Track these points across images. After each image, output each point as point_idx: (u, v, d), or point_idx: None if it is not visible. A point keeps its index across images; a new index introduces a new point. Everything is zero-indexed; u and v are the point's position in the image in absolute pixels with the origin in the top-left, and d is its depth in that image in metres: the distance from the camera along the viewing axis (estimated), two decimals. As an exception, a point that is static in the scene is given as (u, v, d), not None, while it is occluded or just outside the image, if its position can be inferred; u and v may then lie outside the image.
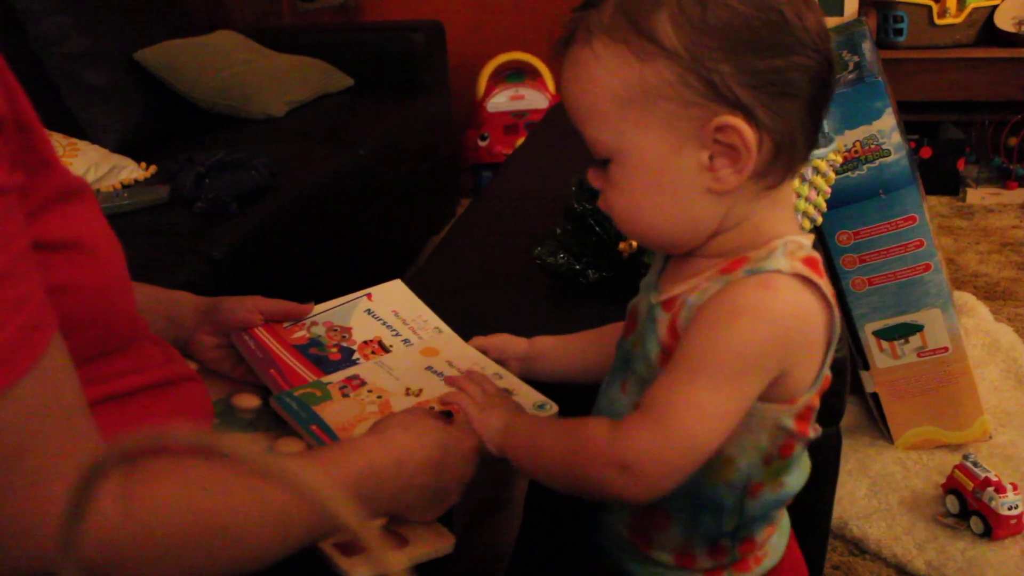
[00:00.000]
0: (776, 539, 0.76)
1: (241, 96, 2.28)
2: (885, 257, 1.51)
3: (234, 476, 0.57)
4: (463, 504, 0.81)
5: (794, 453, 0.68)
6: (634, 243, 1.11)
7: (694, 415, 0.61)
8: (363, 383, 0.86)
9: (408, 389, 0.86)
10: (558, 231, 1.15)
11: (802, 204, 1.20)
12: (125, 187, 1.79)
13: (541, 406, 0.84)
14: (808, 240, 0.66)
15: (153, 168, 1.89)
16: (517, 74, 3.19)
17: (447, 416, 0.77)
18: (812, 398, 0.66)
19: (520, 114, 3.09)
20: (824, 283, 0.63)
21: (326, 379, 0.86)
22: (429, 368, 0.89)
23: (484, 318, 1.11)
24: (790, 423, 0.66)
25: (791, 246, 0.63)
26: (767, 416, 0.65)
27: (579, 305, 1.11)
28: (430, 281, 1.25)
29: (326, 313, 0.96)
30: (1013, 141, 2.90)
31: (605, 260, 1.11)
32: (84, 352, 0.58)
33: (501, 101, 3.11)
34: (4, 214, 0.49)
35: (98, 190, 1.75)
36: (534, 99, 3.09)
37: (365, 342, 0.93)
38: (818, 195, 1.21)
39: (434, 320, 0.97)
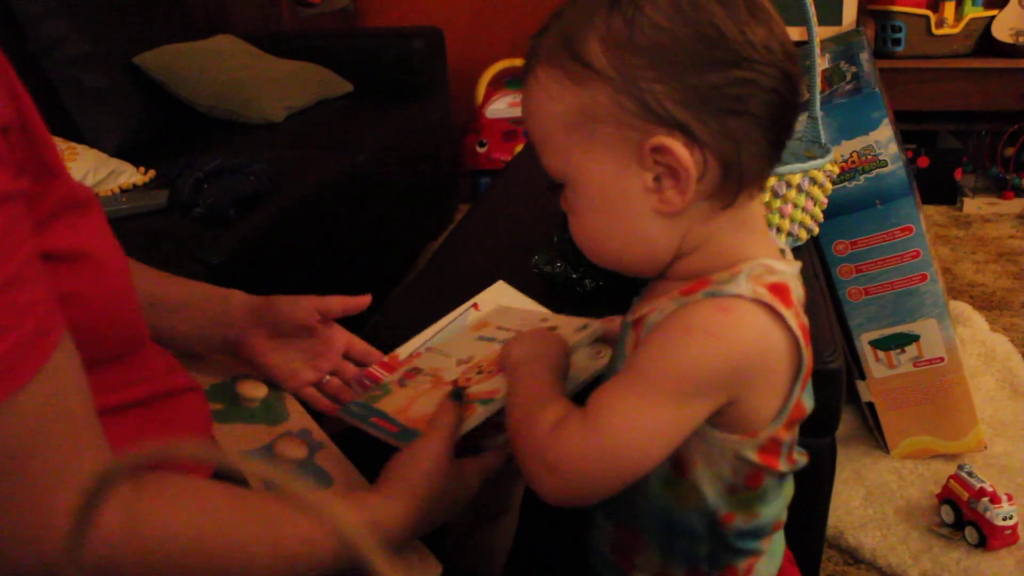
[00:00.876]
0: (764, 566, 0.73)
1: (240, 101, 2.28)
2: (881, 267, 1.52)
3: (247, 511, 0.57)
4: (460, 512, 0.81)
5: (764, 485, 0.66)
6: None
7: (625, 424, 0.60)
8: (419, 370, 0.87)
9: (459, 360, 0.86)
10: (555, 239, 1.15)
11: (799, 214, 1.21)
12: (124, 191, 1.80)
13: (583, 327, 0.84)
14: (786, 266, 0.64)
15: (152, 173, 1.89)
16: (516, 80, 3.20)
17: (457, 397, 0.76)
18: (778, 431, 0.64)
19: (519, 121, 3.09)
20: (790, 313, 0.61)
21: (387, 379, 0.87)
22: (481, 338, 0.89)
23: (481, 325, 1.12)
24: (752, 455, 0.64)
25: (757, 270, 0.61)
26: (726, 446, 0.63)
27: (576, 314, 1.11)
28: (428, 287, 1.26)
29: (433, 339, 0.94)
30: (1010, 151, 2.91)
31: (602, 269, 1.11)
32: (83, 361, 0.58)
33: (500, 107, 3.12)
34: (10, 220, 0.49)
35: (96, 194, 1.75)
36: (533, 106, 3.10)
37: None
38: (815, 205, 1.21)
39: (536, 318, 0.93)
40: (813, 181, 1.18)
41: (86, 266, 0.57)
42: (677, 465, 0.65)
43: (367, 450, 0.80)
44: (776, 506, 0.69)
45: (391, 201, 2.33)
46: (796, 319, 0.61)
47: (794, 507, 0.73)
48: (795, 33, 0.76)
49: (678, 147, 0.58)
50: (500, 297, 0.99)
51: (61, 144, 1.80)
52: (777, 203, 1.16)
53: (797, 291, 0.64)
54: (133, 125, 2.14)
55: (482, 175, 3.11)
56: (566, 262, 1.13)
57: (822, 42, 1.80)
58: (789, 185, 1.15)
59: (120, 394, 0.64)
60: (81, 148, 1.83)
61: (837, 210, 1.46)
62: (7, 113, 0.50)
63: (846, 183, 1.48)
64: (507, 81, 3.20)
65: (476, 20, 3.27)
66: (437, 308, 1.17)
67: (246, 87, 2.31)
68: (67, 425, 0.51)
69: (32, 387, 0.48)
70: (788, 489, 0.71)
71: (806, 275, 0.91)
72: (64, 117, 2.04)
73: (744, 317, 0.60)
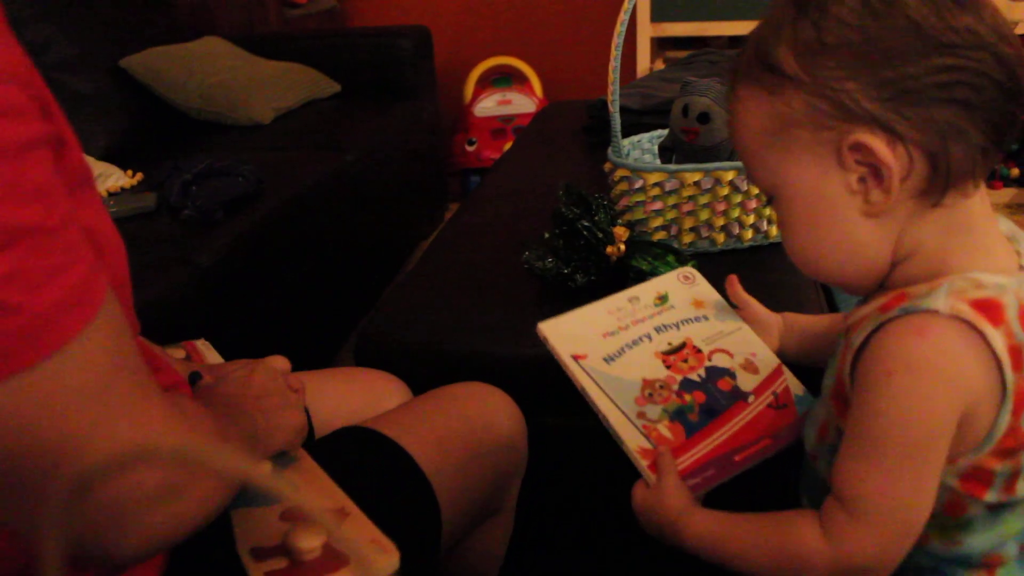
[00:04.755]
0: None
1: (228, 103, 2.27)
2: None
3: None
4: (455, 510, 0.81)
5: (968, 514, 0.63)
6: (622, 247, 1.11)
7: (892, 504, 0.60)
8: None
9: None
10: (546, 235, 1.15)
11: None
12: (111, 195, 1.79)
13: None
14: (1005, 279, 0.59)
15: (140, 176, 1.89)
16: (504, 79, 3.20)
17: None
18: (983, 459, 0.60)
19: (507, 119, 3.09)
20: (997, 332, 0.57)
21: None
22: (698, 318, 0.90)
23: (473, 322, 1.11)
24: (951, 482, 0.61)
25: (960, 283, 0.58)
26: None
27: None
28: (419, 286, 1.25)
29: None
30: (997, 142, 2.92)
31: (593, 264, 1.12)
32: None
33: (488, 106, 3.12)
34: (51, 163, 0.48)
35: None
36: (521, 103, 3.10)
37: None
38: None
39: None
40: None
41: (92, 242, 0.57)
42: None
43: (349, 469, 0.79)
44: (986, 537, 0.65)
45: (381, 201, 2.33)
46: (1005, 339, 0.57)
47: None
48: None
49: (877, 144, 0.57)
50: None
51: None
52: (766, 196, 1.16)
53: (1014, 307, 0.59)
54: (120, 128, 2.13)
55: (472, 173, 3.11)
56: (557, 258, 1.13)
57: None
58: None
59: None
60: (68, 152, 1.82)
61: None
62: (14, 63, 0.50)
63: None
64: (495, 79, 3.20)
65: (463, 19, 3.27)
66: (427, 308, 1.17)
67: (233, 89, 2.30)
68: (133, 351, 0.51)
69: (106, 308, 0.49)
70: (1013, 522, 0.65)
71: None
72: (50, 121, 2.03)
73: (943, 338, 0.57)
